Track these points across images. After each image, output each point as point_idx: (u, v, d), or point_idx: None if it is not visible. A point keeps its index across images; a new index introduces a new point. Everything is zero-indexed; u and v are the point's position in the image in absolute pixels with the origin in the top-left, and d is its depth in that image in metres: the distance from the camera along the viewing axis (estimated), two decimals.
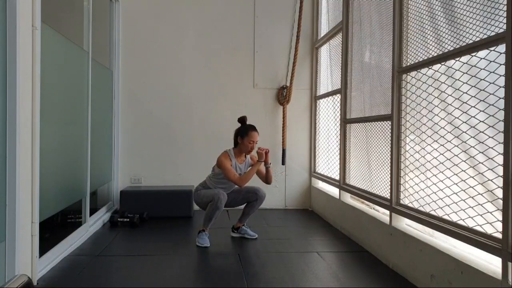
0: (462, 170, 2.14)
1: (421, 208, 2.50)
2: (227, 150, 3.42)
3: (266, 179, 3.43)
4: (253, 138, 3.31)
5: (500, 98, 1.85)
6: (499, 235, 1.82)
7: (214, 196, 3.24)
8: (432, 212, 2.37)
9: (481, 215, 1.98)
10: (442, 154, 2.31)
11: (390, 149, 2.85)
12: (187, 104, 4.81)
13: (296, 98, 4.90)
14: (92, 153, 3.64)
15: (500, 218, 1.82)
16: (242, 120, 3.43)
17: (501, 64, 1.85)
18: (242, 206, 3.57)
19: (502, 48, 1.84)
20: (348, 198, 3.79)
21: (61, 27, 3.07)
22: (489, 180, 1.94)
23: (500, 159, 1.84)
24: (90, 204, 3.59)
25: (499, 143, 1.85)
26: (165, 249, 3.19)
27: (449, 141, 2.25)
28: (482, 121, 1.98)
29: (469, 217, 2.06)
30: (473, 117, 2.05)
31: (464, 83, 2.14)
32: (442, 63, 2.34)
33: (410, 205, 2.64)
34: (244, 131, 3.34)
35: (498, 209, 1.87)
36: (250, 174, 3.28)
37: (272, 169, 3.48)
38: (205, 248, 3.22)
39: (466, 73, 2.12)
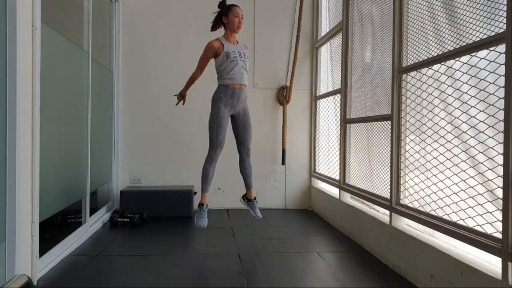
0: (462, 170, 2.14)
1: (421, 208, 2.50)
2: (219, 37, 3.28)
3: None
4: (237, 11, 3.21)
5: (500, 98, 1.85)
6: (499, 235, 1.82)
7: (211, 142, 3.18)
8: (432, 212, 2.37)
9: (481, 215, 1.98)
10: (442, 154, 2.31)
11: (390, 149, 2.85)
12: (187, 104, 4.78)
13: (296, 98, 4.89)
14: (92, 153, 3.64)
15: (500, 218, 1.82)
16: (221, 3, 3.28)
17: (501, 64, 1.85)
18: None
19: (502, 48, 1.84)
20: (348, 198, 3.79)
21: (61, 27, 3.06)
22: (489, 180, 1.94)
23: (500, 159, 1.84)
24: (90, 204, 3.58)
25: (499, 143, 1.85)
26: (165, 249, 3.19)
27: (449, 141, 2.25)
28: (482, 121, 1.98)
29: (469, 217, 2.06)
30: (473, 117, 2.05)
31: (464, 83, 2.14)
32: (442, 63, 2.34)
33: (410, 205, 2.64)
34: (227, 9, 3.22)
35: (498, 209, 1.88)
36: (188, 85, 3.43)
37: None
38: (205, 248, 3.22)
39: (466, 73, 2.12)
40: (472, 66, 2.06)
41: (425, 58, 2.49)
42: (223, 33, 3.29)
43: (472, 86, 2.07)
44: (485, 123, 1.97)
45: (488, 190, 1.96)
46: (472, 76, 2.07)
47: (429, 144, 2.46)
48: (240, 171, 3.46)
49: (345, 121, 3.82)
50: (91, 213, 3.69)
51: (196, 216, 3.16)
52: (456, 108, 2.21)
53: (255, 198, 3.47)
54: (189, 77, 3.38)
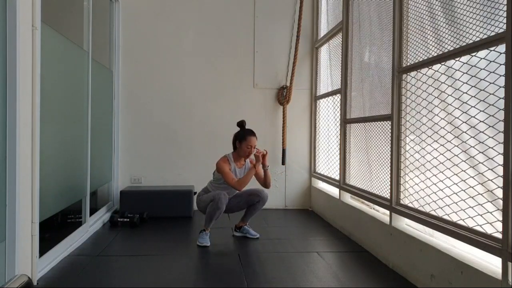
0: (462, 170, 2.14)
1: (421, 208, 2.50)
2: (227, 154, 3.43)
3: (265, 182, 3.42)
4: (250, 143, 3.32)
5: (500, 98, 1.85)
6: (499, 235, 1.82)
7: (214, 196, 3.26)
8: (432, 212, 2.37)
9: (481, 215, 1.98)
10: (442, 154, 2.31)
11: (390, 149, 2.85)
12: (187, 104, 4.81)
13: (296, 98, 4.89)
14: (92, 153, 3.64)
15: (500, 218, 1.82)
16: (241, 124, 3.44)
17: (501, 64, 1.85)
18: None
19: (502, 48, 1.84)
20: (348, 198, 3.79)
21: (61, 27, 3.06)
22: (489, 180, 1.94)
23: (500, 159, 1.84)
24: (90, 204, 3.59)
25: (499, 143, 1.85)
26: (165, 249, 3.19)
27: (449, 141, 2.25)
28: (482, 121, 1.98)
29: (469, 217, 2.06)
30: (473, 117, 2.05)
31: (464, 83, 2.14)
32: (442, 63, 2.34)
33: (410, 205, 2.64)
34: (242, 136, 3.35)
35: (498, 209, 1.88)
36: (247, 178, 3.29)
37: (270, 173, 3.47)
38: (205, 248, 3.22)
39: (466, 73, 2.12)
40: (472, 66, 2.06)
41: (425, 58, 2.49)
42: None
43: (472, 86, 2.07)
44: (485, 123, 1.97)
45: (488, 190, 1.96)
46: (472, 76, 2.07)
47: (429, 144, 2.46)
48: (248, 207, 3.54)
49: (345, 121, 3.82)
50: (91, 213, 3.69)
51: (198, 238, 3.33)
52: (456, 108, 2.21)
53: (246, 224, 3.60)
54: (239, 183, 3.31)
